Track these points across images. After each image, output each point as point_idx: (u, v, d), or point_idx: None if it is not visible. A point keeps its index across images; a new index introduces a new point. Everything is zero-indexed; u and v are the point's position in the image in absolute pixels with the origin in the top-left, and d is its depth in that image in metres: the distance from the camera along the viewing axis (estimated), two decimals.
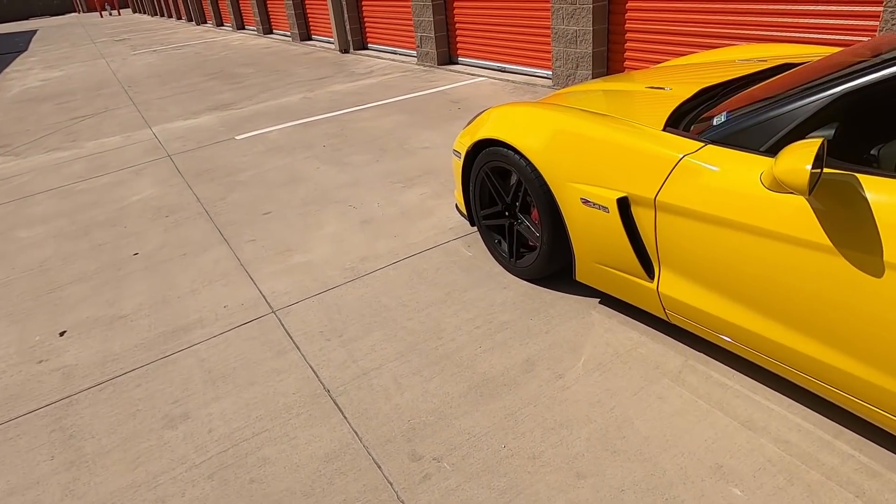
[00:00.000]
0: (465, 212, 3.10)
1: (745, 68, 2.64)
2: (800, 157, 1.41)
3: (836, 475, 1.66)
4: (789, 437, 1.80)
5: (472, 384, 2.19)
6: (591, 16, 5.60)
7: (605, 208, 2.12)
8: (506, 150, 2.55)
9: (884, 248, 1.40)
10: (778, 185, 1.59)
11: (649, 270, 2.11)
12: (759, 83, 2.30)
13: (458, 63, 8.21)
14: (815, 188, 1.45)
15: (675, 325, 2.34)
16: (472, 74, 7.53)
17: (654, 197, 1.95)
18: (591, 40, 5.68)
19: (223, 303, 2.93)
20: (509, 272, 2.87)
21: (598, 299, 2.59)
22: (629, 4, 5.53)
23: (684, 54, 5.22)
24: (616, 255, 2.19)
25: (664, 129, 2.02)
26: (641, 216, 2.03)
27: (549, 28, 6.41)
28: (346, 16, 10.26)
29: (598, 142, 2.12)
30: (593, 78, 5.85)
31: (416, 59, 8.88)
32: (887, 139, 1.52)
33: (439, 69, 8.14)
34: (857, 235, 1.45)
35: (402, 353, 2.40)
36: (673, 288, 2.04)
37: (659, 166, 1.93)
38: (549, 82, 6.53)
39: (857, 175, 1.49)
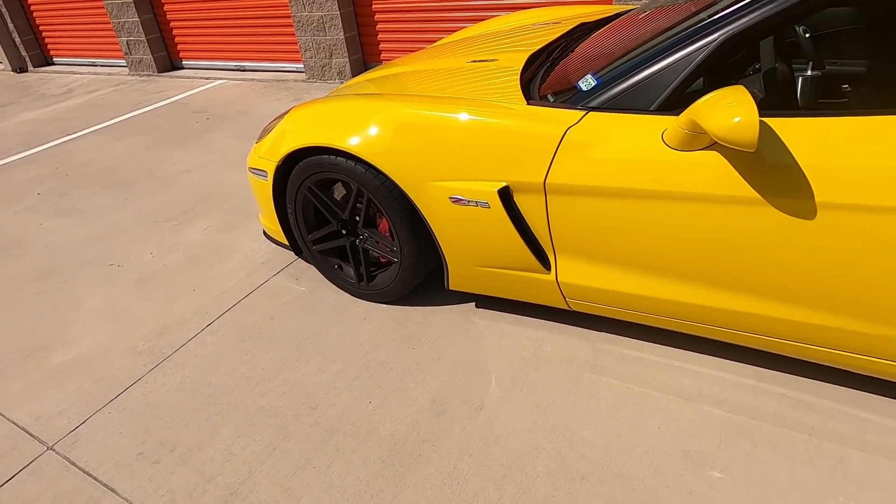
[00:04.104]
0: (282, 240, 2.52)
1: (548, 32, 2.57)
2: (735, 109, 1.28)
3: (782, 420, 1.66)
4: (725, 396, 1.76)
5: (384, 454, 1.73)
6: None
7: (484, 204, 1.82)
8: (333, 157, 2.07)
9: (813, 191, 1.36)
10: (687, 143, 1.47)
11: (544, 262, 1.89)
12: (577, 45, 2.21)
13: (183, 68, 7.09)
14: None
15: (564, 311, 2.18)
16: (207, 78, 6.55)
17: (542, 181, 1.70)
18: (340, 25, 5.30)
19: None
20: (361, 298, 2.42)
21: (474, 303, 2.31)
22: None
23: (434, 33, 5.18)
24: (503, 254, 1.91)
25: (529, 104, 1.79)
26: (528, 204, 1.78)
27: (289, 17, 5.82)
28: (10, 25, 8.10)
29: (460, 130, 1.80)
30: (351, 65, 5.50)
31: (127, 69, 7.44)
32: (774, 79, 1.49)
33: (162, 77, 6.93)
34: (780, 182, 1.39)
35: (272, 447, 1.81)
36: (574, 275, 1.84)
37: (541, 145, 1.68)
38: (301, 76, 5.97)
39: (765, 119, 1.42)
